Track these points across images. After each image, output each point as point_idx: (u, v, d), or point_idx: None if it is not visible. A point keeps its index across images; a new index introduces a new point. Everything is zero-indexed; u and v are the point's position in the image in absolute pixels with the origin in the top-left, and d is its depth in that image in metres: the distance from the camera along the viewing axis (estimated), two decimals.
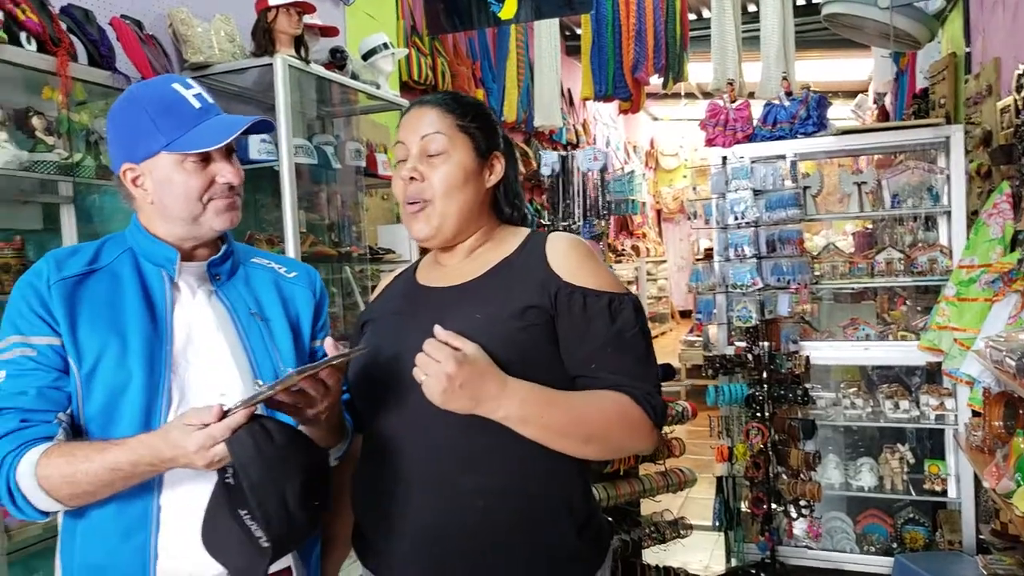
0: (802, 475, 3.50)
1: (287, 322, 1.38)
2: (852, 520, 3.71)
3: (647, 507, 3.35)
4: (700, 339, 7.76)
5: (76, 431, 1.21)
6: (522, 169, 6.04)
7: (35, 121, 2.16)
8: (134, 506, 1.20)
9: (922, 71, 4.80)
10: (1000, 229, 2.96)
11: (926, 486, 3.52)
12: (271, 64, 2.74)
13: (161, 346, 1.24)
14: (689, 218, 3.89)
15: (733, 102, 3.85)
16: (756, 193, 3.66)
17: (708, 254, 4.20)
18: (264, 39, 2.77)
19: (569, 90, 7.49)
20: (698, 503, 4.39)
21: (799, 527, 3.67)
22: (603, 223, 3.38)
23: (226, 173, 1.27)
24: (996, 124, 3.24)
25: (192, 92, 1.27)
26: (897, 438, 3.75)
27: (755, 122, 3.84)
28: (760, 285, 3.59)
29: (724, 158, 3.79)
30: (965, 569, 2.94)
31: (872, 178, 3.73)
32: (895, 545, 3.56)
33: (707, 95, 7.15)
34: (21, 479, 1.14)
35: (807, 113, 3.67)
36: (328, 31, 3.20)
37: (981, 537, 3.31)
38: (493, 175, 1.37)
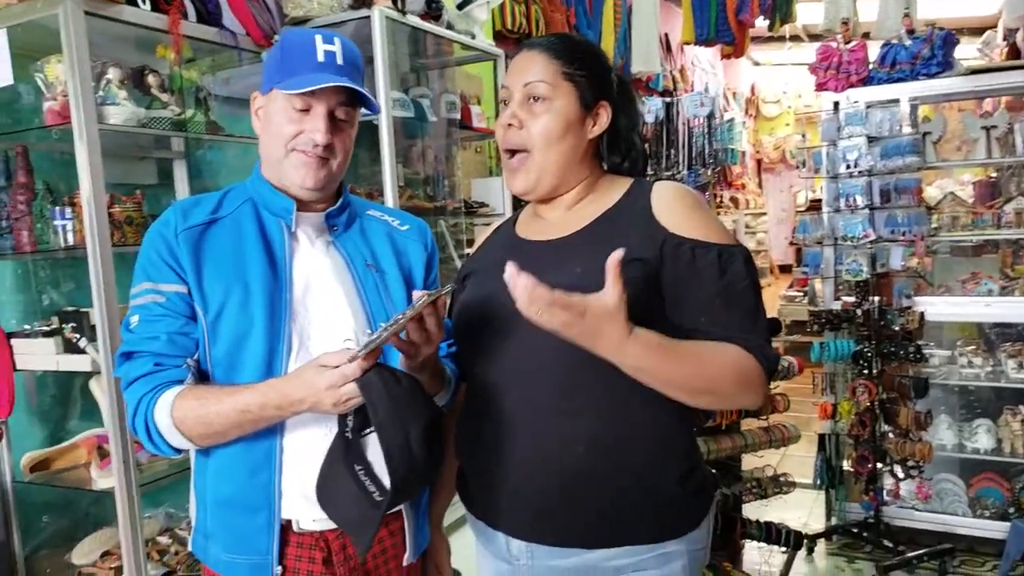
0: (911, 435, 3.38)
1: (400, 274, 1.41)
2: (965, 483, 3.56)
3: (748, 462, 3.30)
4: (800, 294, 7.53)
5: (203, 376, 1.27)
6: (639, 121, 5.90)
7: (150, 79, 2.23)
8: (259, 446, 1.26)
9: None
10: None
11: None
12: (368, 16, 2.74)
13: (281, 294, 1.28)
14: (797, 167, 3.73)
15: (847, 43, 3.62)
16: (871, 140, 3.46)
17: (815, 205, 4.03)
18: None
19: (667, 35, 7.24)
20: (796, 460, 4.30)
21: (906, 488, 3.55)
22: (709, 172, 3.27)
23: (316, 130, 1.27)
24: None
25: (326, 47, 1.28)
26: (1019, 400, 3.54)
27: (871, 64, 3.61)
28: (872, 237, 3.42)
29: (836, 103, 3.59)
30: None
31: (1003, 122, 3.46)
32: (1012, 510, 3.41)
33: (814, 38, 6.78)
34: (158, 418, 1.22)
35: (931, 52, 3.42)
36: None
37: None
38: (597, 125, 1.33)
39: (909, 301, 3.45)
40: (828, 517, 3.78)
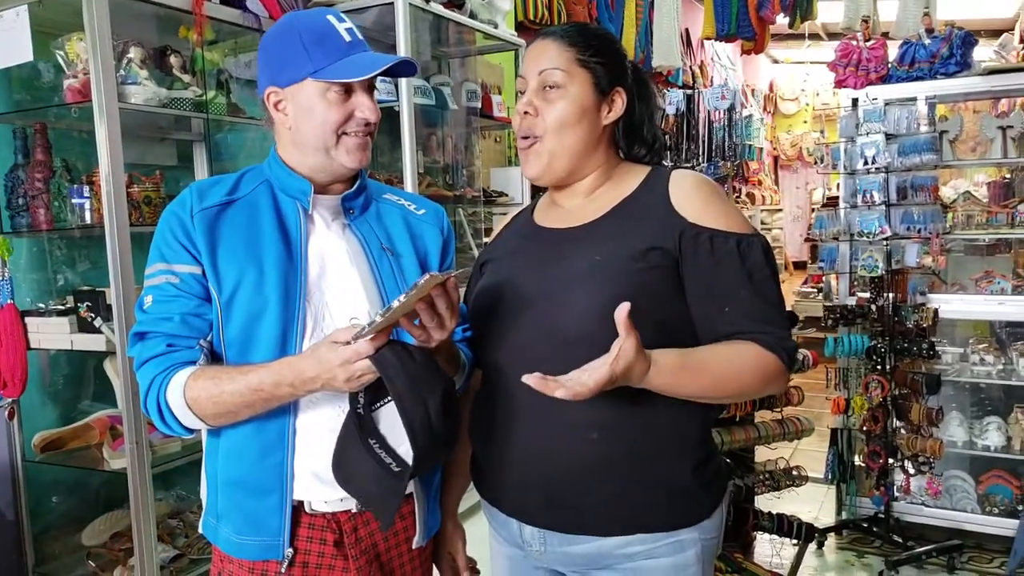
0: (923, 431, 3.38)
1: (416, 258, 1.40)
2: (975, 480, 3.56)
3: (761, 454, 3.31)
4: (815, 290, 7.50)
5: (215, 358, 1.27)
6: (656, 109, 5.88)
7: (172, 60, 2.22)
8: (271, 427, 1.25)
9: None
10: None
11: None
12: (392, 3, 2.76)
13: (296, 275, 1.27)
14: (815, 163, 3.72)
15: (867, 40, 3.62)
16: (888, 137, 3.45)
17: (831, 202, 4.02)
18: None
19: (687, 30, 7.22)
20: (807, 455, 4.30)
21: (916, 484, 3.55)
22: (729, 165, 3.27)
23: (365, 109, 1.27)
24: None
25: (344, 26, 1.28)
26: None
27: (890, 62, 3.61)
28: (888, 233, 3.42)
29: (855, 100, 3.58)
30: None
31: (1019, 122, 3.46)
32: (1021, 508, 3.40)
33: (833, 36, 6.74)
34: (171, 399, 1.21)
35: (949, 52, 3.41)
36: None
37: None
38: (613, 112, 1.33)
39: (923, 298, 3.46)
40: (839, 511, 3.79)
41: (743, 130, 3.59)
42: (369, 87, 1.29)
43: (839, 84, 3.71)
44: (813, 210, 6.54)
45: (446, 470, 1.48)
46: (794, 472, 3.25)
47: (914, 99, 3.50)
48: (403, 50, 2.73)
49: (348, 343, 1.11)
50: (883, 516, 3.51)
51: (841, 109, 3.67)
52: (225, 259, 1.25)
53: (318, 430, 1.26)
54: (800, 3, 5.02)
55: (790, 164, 10.59)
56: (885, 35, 4.15)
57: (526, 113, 1.31)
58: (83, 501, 2.32)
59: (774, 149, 10.51)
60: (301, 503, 1.29)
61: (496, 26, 3.42)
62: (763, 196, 8.82)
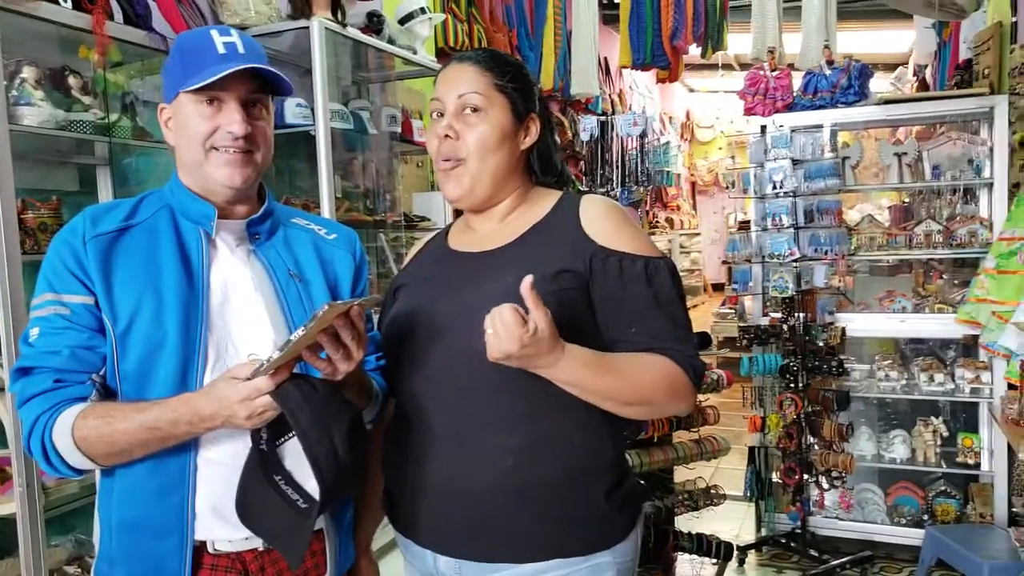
0: (835, 446, 3.49)
1: (325, 284, 1.35)
2: (884, 492, 3.69)
3: (680, 475, 3.36)
4: (733, 311, 7.72)
5: (109, 393, 1.20)
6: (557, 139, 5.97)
7: (71, 80, 2.14)
8: (171, 464, 1.19)
9: (966, 41, 4.66)
10: None
11: (959, 459, 3.50)
12: (308, 27, 2.74)
13: (197, 304, 1.21)
14: (727, 188, 3.85)
15: (773, 70, 3.77)
16: (795, 163, 3.60)
17: (744, 225, 4.16)
18: (301, 1, 2.77)
19: (606, 59, 7.39)
20: (727, 473, 4.39)
21: (830, 498, 3.66)
22: (642, 190, 3.35)
23: (232, 121, 1.22)
24: None
25: (225, 39, 1.22)
26: (931, 411, 3.71)
27: (795, 91, 3.77)
28: (797, 255, 3.55)
29: (763, 127, 3.73)
30: (997, 541, 2.91)
31: (913, 149, 3.66)
32: (926, 517, 3.54)
33: (744, 66, 7.02)
34: (57, 438, 1.14)
35: (848, 82, 3.59)
36: None
37: (1014, 510, 3.30)
38: (529, 137, 1.36)
39: (832, 317, 3.59)
40: (758, 528, 3.86)
41: (661, 156, 3.68)
42: (246, 102, 1.24)
43: (748, 111, 3.85)
44: (730, 233, 6.74)
45: (358, 504, 1.45)
46: (712, 491, 3.31)
47: (819, 126, 3.66)
48: (319, 75, 2.71)
49: (248, 379, 1.07)
50: (800, 531, 3.60)
51: (751, 136, 3.81)
52: (121, 288, 1.19)
53: (221, 467, 1.21)
54: (711, 34, 5.22)
55: (707, 189, 10.93)
56: (791, 66, 4.35)
57: (447, 136, 1.31)
58: None
59: (692, 175, 10.83)
60: (203, 543, 1.22)
61: (415, 52, 3.43)
62: (682, 221, 9.05)
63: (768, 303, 3.72)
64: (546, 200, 1.37)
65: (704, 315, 8.28)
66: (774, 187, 3.61)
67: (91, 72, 2.20)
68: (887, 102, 3.67)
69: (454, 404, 1.25)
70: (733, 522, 4.00)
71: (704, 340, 3.30)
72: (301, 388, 1.10)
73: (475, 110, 1.30)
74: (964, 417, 3.69)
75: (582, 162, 3.85)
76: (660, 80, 5.75)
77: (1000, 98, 3.43)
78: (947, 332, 3.56)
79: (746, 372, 3.66)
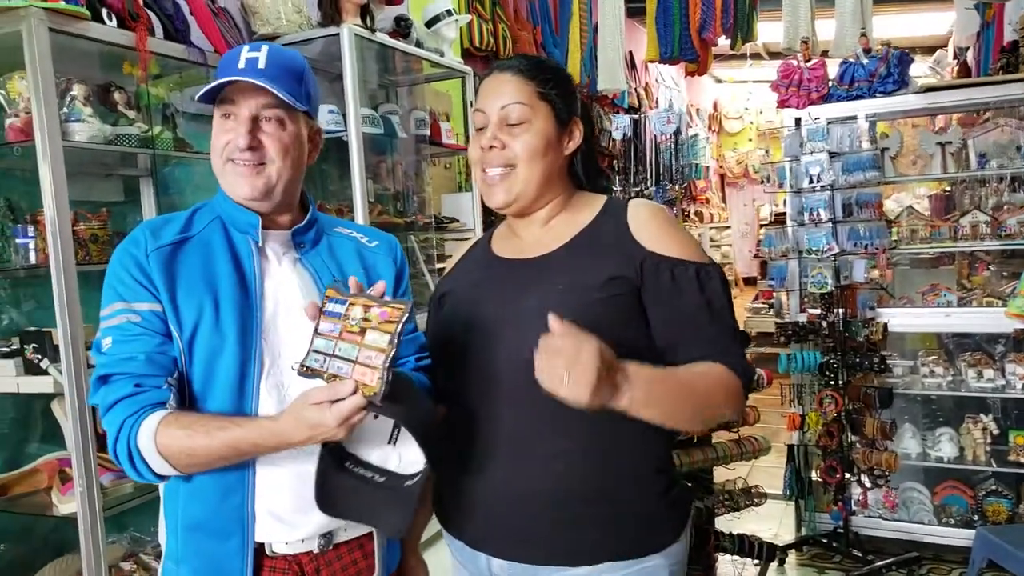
0: (877, 444, 3.43)
1: None
2: (930, 491, 3.62)
3: (719, 475, 3.33)
4: (765, 306, 7.63)
5: (182, 395, 1.25)
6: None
7: (116, 96, 2.21)
8: (231, 470, 1.23)
9: (1011, 23, 4.53)
10: None
11: (1010, 457, 3.40)
12: (337, 34, 2.74)
13: (252, 312, 1.26)
14: (762, 182, 3.79)
15: (807, 61, 3.70)
16: (832, 155, 3.53)
17: (779, 219, 4.09)
18: (330, 8, 2.77)
19: (631, 53, 7.33)
20: (765, 472, 4.34)
21: (873, 497, 3.59)
22: (676, 188, 3.31)
23: (237, 134, 1.26)
24: None
25: (249, 55, 1.25)
26: (979, 408, 3.61)
27: (831, 82, 3.70)
28: (836, 250, 3.48)
29: (798, 120, 3.66)
30: None
31: (957, 137, 3.56)
32: (976, 518, 3.46)
33: (774, 56, 6.91)
34: (142, 444, 1.18)
35: (887, 71, 3.51)
36: None
37: None
38: (572, 142, 1.37)
39: (872, 313, 3.52)
40: (798, 528, 3.81)
41: (689, 149, 3.63)
42: (254, 118, 1.27)
43: (782, 104, 3.79)
44: (761, 226, 6.65)
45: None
46: (752, 491, 3.27)
47: (855, 117, 3.58)
48: (350, 81, 2.72)
49: (338, 401, 1.09)
50: (842, 531, 3.55)
51: (784, 129, 3.74)
52: (184, 297, 1.24)
53: (277, 470, 1.25)
54: (741, 25, 5.14)
55: (736, 181, 10.81)
56: (825, 54, 4.27)
57: (492, 147, 1.31)
58: (31, 548, 2.24)
59: (720, 167, 10.72)
60: (262, 545, 1.27)
61: (442, 54, 3.43)
62: (711, 214, 8.96)
63: (806, 299, 3.66)
64: (591, 205, 1.37)
65: (737, 310, 8.18)
66: (811, 181, 3.55)
67: (134, 86, 2.26)
68: (928, 89, 3.57)
69: (508, 410, 1.26)
70: (772, 521, 3.96)
71: (745, 339, 3.26)
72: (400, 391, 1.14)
73: (520, 121, 1.31)
74: (1016, 414, 3.60)
75: (613, 160, 3.81)
76: (688, 73, 5.68)
77: None
78: (996, 326, 3.43)
79: (784, 369, 3.61)
